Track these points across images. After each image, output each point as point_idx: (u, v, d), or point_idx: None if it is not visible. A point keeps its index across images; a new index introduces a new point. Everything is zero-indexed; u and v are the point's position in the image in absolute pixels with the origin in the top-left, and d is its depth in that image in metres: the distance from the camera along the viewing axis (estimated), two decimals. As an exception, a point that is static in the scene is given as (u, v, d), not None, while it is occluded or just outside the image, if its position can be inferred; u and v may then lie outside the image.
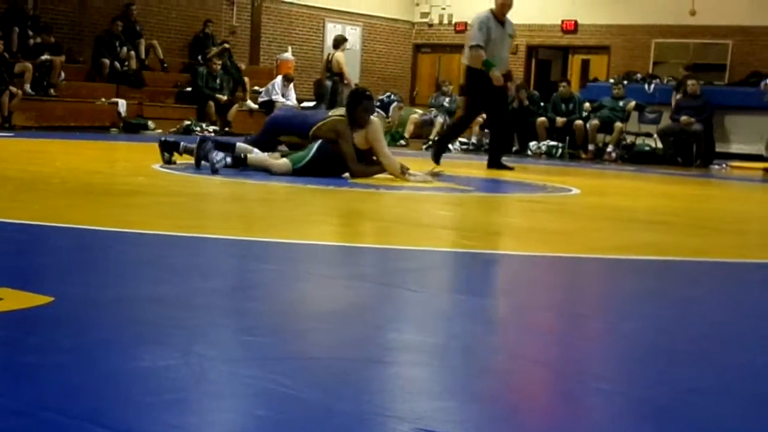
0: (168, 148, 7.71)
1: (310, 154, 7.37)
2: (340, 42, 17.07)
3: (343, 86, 16.58)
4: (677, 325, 2.76)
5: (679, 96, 16.06)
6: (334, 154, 7.46)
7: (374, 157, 7.67)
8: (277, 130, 7.93)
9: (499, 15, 10.22)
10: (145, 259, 3.37)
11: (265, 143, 7.82)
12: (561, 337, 2.54)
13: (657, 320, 2.80)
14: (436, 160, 10.10)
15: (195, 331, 2.27)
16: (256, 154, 7.41)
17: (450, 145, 16.82)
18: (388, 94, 8.13)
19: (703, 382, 2.06)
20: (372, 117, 7.64)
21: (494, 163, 10.57)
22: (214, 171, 7.09)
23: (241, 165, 7.33)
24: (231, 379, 1.89)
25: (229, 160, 7.24)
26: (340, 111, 7.83)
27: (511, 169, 10.36)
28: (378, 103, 7.87)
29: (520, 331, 2.58)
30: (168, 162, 7.64)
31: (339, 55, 16.90)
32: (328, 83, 17.03)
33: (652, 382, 2.04)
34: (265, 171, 7.29)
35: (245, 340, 2.24)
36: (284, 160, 7.39)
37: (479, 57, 9.98)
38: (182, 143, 7.76)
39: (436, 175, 7.84)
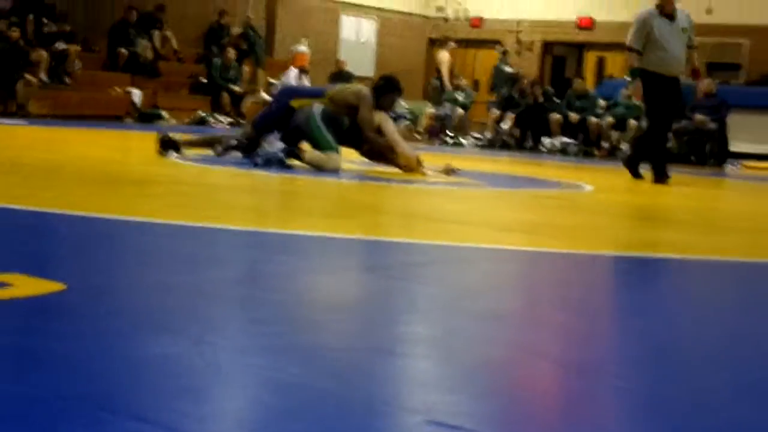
0: (166, 147, 7.48)
1: (321, 126, 7.24)
2: (443, 42, 17.18)
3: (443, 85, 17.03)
4: (692, 324, 2.75)
5: None
6: (336, 120, 7.33)
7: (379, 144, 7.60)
8: (288, 95, 7.73)
9: (665, 9, 8.96)
10: (157, 248, 3.37)
11: (277, 111, 7.57)
12: (572, 333, 2.53)
13: (671, 318, 2.79)
14: (635, 173, 9.32)
15: (206, 320, 2.27)
16: (311, 151, 7.22)
17: (463, 140, 16.86)
18: (403, 112, 8.06)
19: (717, 382, 2.06)
20: (384, 114, 7.61)
21: (660, 175, 9.11)
22: (256, 164, 7.03)
23: (294, 157, 7.18)
24: (242, 368, 1.89)
25: (281, 155, 7.10)
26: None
27: (668, 178, 9.11)
28: (392, 115, 7.83)
29: (531, 327, 2.58)
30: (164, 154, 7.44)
31: (441, 54, 16.98)
32: (436, 82, 17.28)
33: (665, 381, 2.03)
34: (318, 168, 7.07)
35: (256, 330, 2.24)
36: (331, 154, 7.20)
37: (631, 62, 9.07)
38: (181, 139, 7.57)
39: (451, 171, 7.78)
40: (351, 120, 7.40)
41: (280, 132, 7.47)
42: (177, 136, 7.71)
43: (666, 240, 4.75)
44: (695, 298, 3.24)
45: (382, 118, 7.53)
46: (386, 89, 7.58)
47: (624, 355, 2.31)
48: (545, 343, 2.35)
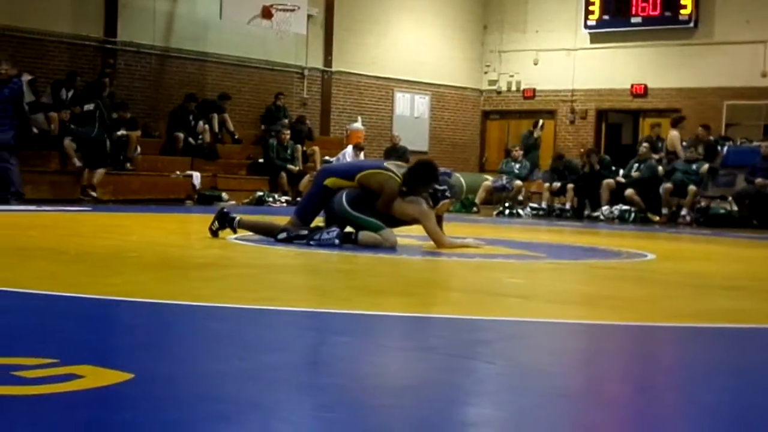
0: (222, 222, 7.55)
1: (354, 213, 7.26)
2: (678, 121, 17.21)
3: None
4: (759, 396, 2.69)
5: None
6: (368, 199, 7.35)
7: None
8: (324, 175, 7.68)
9: None
10: (221, 333, 3.40)
11: (316, 194, 7.58)
12: (639, 410, 2.49)
13: (738, 392, 2.74)
14: None
15: (272, 408, 2.27)
16: (366, 232, 7.27)
17: (521, 210, 16.83)
18: (444, 187, 7.70)
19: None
20: (422, 203, 7.45)
21: None
22: (310, 243, 7.12)
23: (350, 242, 7.24)
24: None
25: (337, 242, 7.15)
26: (396, 167, 7.56)
27: None
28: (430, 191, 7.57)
29: (600, 406, 2.54)
30: (214, 233, 7.55)
31: (673, 133, 17.07)
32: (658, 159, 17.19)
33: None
34: (375, 247, 7.14)
35: (322, 417, 2.24)
36: (383, 232, 7.24)
37: None
38: (237, 219, 7.58)
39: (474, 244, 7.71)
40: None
41: (324, 215, 7.53)
42: (237, 216, 7.73)
43: (734, 309, 4.67)
44: (764, 369, 3.17)
45: (417, 210, 7.40)
46: (423, 180, 7.44)
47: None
48: (615, 424, 2.31)
